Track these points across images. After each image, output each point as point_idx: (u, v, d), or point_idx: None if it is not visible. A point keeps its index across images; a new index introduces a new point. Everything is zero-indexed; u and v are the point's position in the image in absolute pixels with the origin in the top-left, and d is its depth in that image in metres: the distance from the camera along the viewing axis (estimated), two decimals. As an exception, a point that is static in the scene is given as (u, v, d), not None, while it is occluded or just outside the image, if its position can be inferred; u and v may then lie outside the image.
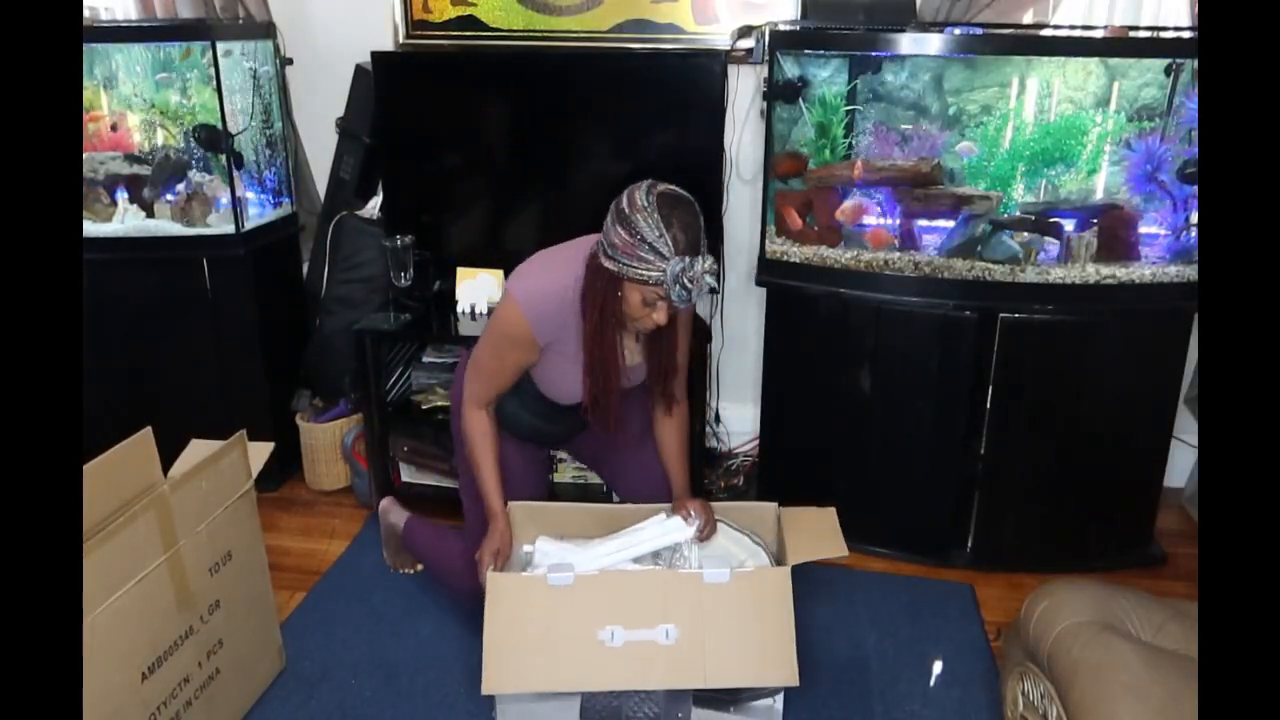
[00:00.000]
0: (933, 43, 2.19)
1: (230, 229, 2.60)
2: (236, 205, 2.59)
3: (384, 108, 2.68)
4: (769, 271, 2.43)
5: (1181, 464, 2.73)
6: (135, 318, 2.63)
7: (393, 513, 2.38)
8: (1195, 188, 2.17)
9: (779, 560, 1.89)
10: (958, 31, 2.22)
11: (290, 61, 2.80)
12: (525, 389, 1.94)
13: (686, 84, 2.54)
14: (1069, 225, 2.25)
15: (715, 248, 2.67)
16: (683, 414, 2.00)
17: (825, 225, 2.36)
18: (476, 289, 2.64)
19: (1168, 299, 2.21)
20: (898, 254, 2.29)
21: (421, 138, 2.71)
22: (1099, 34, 2.29)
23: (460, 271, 2.64)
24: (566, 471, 2.71)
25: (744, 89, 2.68)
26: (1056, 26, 2.53)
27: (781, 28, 2.41)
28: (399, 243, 2.61)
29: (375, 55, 2.63)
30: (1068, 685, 1.51)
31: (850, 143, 2.39)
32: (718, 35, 2.65)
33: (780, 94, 2.34)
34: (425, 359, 2.77)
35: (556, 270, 1.77)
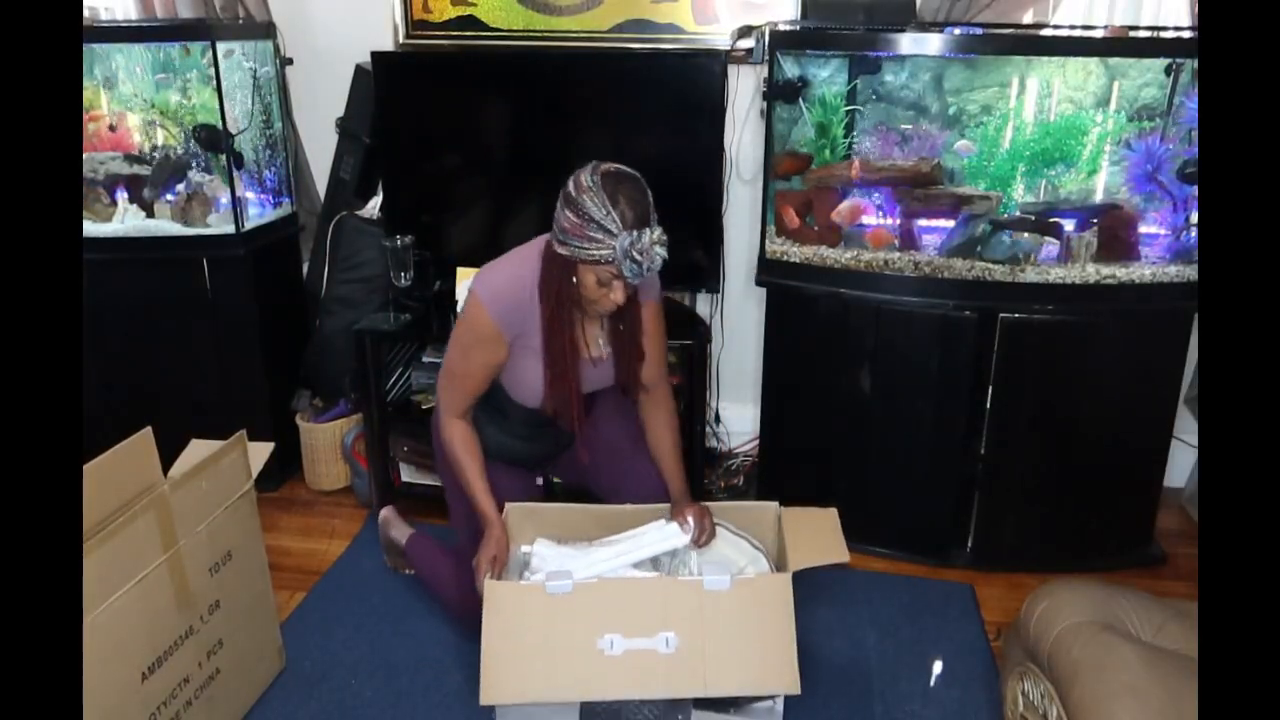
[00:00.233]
0: (933, 43, 2.19)
1: (230, 229, 2.60)
2: (236, 205, 2.59)
3: (384, 108, 2.68)
4: (769, 271, 2.43)
5: (1181, 464, 2.73)
6: (135, 318, 2.63)
7: (394, 526, 2.38)
8: (1195, 188, 2.17)
9: (779, 565, 1.89)
10: (958, 31, 2.22)
11: (290, 61, 2.80)
12: (502, 410, 1.94)
13: (686, 84, 2.54)
14: (1069, 225, 2.25)
15: (715, 248, 2.67)
16: (669, 411, 1.99)
17: (825, 225, 2.37)
18: (476, 289, 2.64)
19: (1168, 299, 2.21)
20: (898, 254, 2.29)
21: (421, 138, 2.71)
22: (1099, 34, 2.29)
23: (460, 271, 2.64)
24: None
25: (744, 89, 2.68)
26: (1056, 26, 2.53)
27: (781, 28, 2.41)
28: (399, 243, 2.61)
29: (375, 55, 2.63)
30: (1068, 685, 1.51)
31: (850, 143, 2.39)
32: (718, 35, 2.65)
33: (780, 94, 2.34)
34: (425, 359, 2.77)
35: (517, 265, 1.79)
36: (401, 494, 2.72)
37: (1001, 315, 2.23)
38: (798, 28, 2.50)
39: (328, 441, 2.82)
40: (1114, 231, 2.22)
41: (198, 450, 1.81)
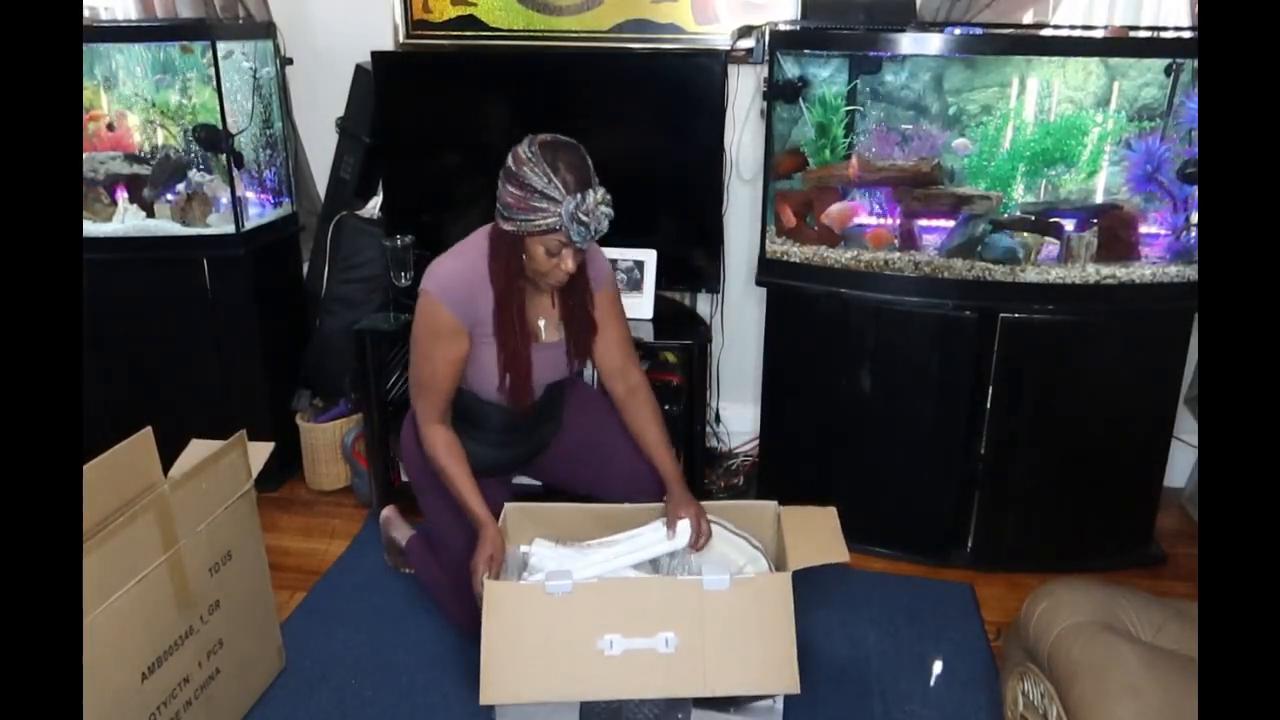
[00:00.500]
0: (933, 43, 2.19)
1: (230, 229, 2.60)
2: (236, 205, 2.59)
3: (384, 108, 2.68)
4: (769, 271, 2.43)
5: (1181, 464, 2.73)
6: (135, 318, 2.63)
7: (394, 526, 2.38)
8: (1195, 188, 2.17)
9: (779, 564, 1.89)
10: (958, 31, 2.22)
11: (290, 61, 2.80)
12: (474, 420, 1.94)
13: (686, 84, 2.54)
14: (1069, 225, 2.25)
15: (715, 248, 2.67)
16: (650, 403, 1.98)
17: (824, 225, 2.36)
18: (476, 289, 2.64)
19: (1168, 299, 2.21)
20: (898, 254, 2.29)
21: (421, 138, 2.71)
22: (1099, 34, 2.29)
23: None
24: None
25: (744, 89, 2.68)
26: (1056, 26, 2.53)
27: (781, 28, 2.41)
28: (399, 243, 2.61)
29: (375, 55, 2.63)
30: (1068, 685, 1.51)
31: (850, 143, 2.39)
32: (718, 35, 2.65)
33: (780, 94, 2.34)
34: (425, 359, 2.77)
35: (464, 255, 1.80)
36: (401, 494, 2.72)
37: (1001, 315, 2.23)
38: (798, 28, 2.50)
39: (328, 441, 2.82)
40: (1114, 231, 2.22)
41: (198, 450, 1.81)
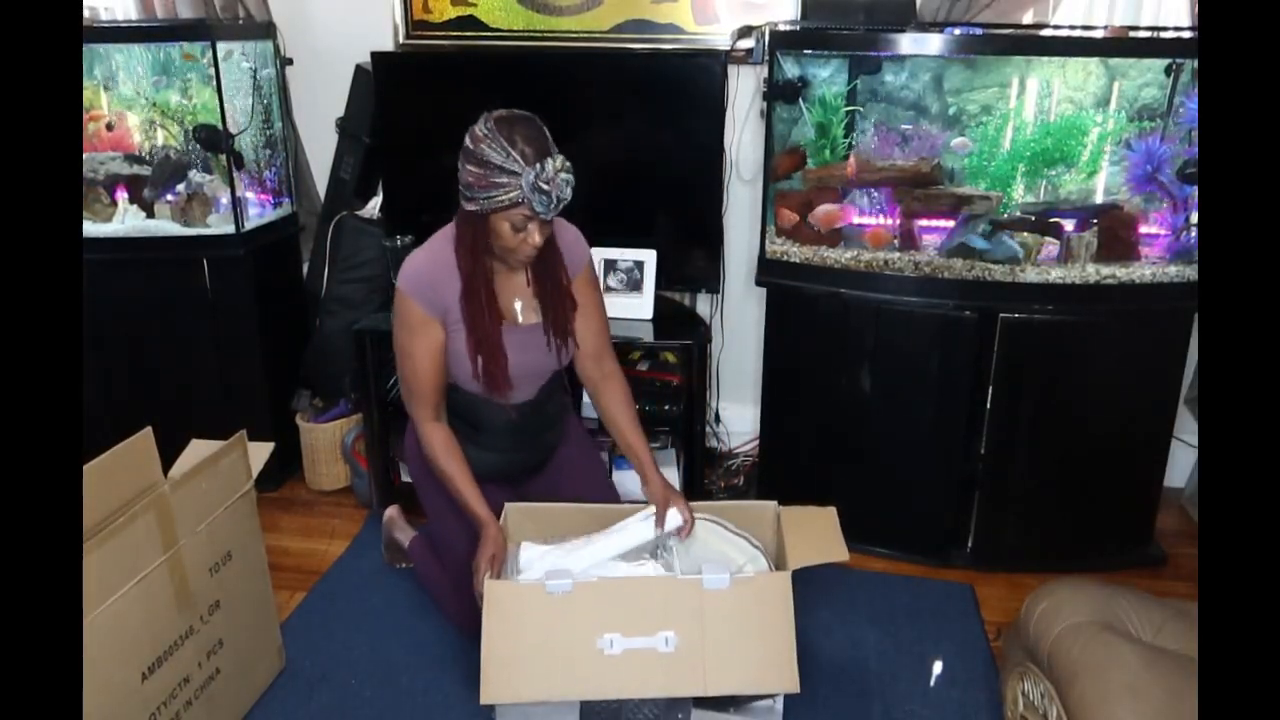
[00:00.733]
0: (933, 43, 2.19)
1: (230, 229, 2.60)
2: (236, 205, 2.59)
3: (384, 108, 2.68)
4: (769, 271, 2.43)
5: (1181, 464, 2.73)
6: (135, 318, 2.63)
7: (398, 527, 2.39)
8: (1195, 188, 2.17)
9: (778, 564, 1.89)
10: (958, 31, 2.22)
11: (290, 61, 2.80)
12: (477, 423, 1.94)
13: (686, 84, 2.54)
14: (1069, 225, 2.25)
15: (715, 248, 2.67)
16: (622, 387, 1.99)
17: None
18: (476, 289, 2.64)
19: (1168, 299, 2.21)
20: (898, 254, 2.29)
21: (421, 138, 2.71)
22: (1099, 34, 2.29)
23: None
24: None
25: (744, 89, 2.68)
26: (1056, 26, 2.53)
27: (781, 28, 2.41)
28: (399, 243, 2.61)
29: (375, 55, 2.63)
30: (1068, 685, 1.51)
31: (850, 143, 2.39)
32: (718, 35, 2.65)
33: (780, 94, 2.34)
34: (425, 359, 2.77)
35: (430, 245, 1.82)
36: (401, 494, 2.72)
37: (1001, 315, 2.23)
38: (798, 28, 2.50)
39: (328, 441, 2.82)
40: (1114, 231, 2.22)
41: (198, 450, 1.81)
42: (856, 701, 1.98)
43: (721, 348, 2.90)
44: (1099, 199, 2.32)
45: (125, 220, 2.64)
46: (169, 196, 2.65)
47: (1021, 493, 2.41)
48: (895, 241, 2.34)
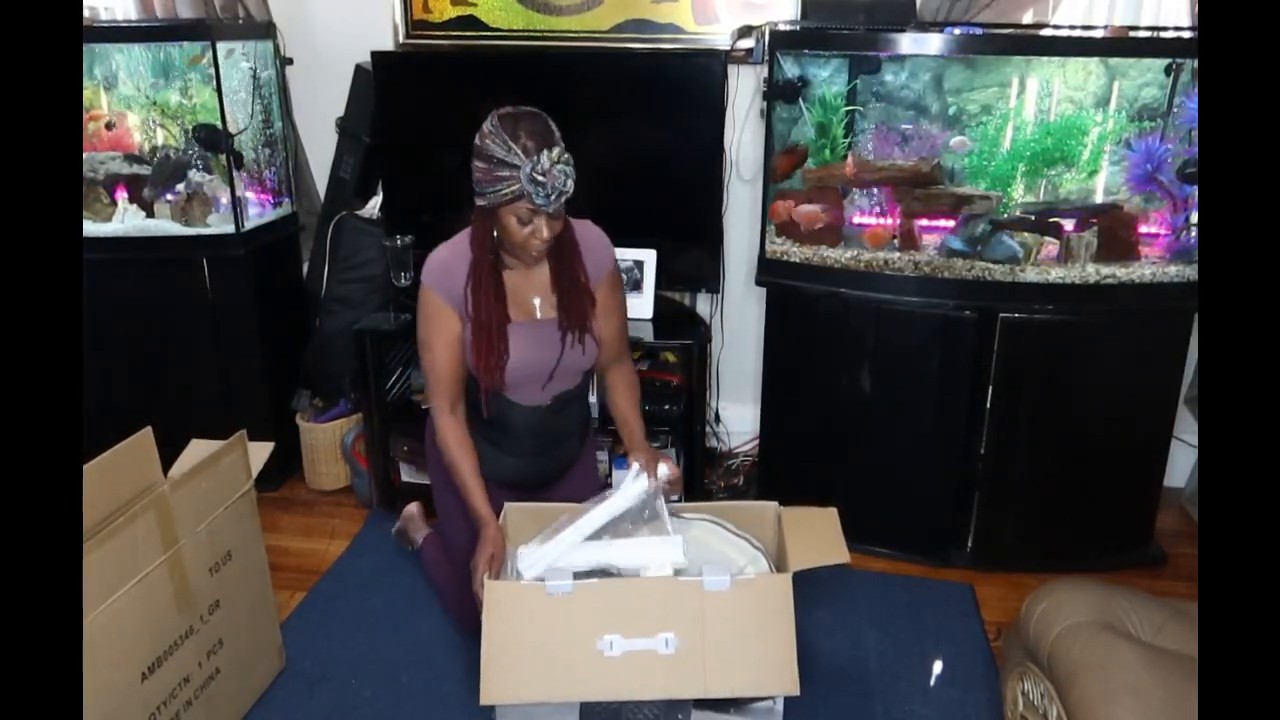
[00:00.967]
0: (933, 43, 2.19)
1: (230, 229, 2.60)
2: (236, 205, 2.59)
3: (384, 108, 2.68)
4: (769, 271, 2.43)
5: (1181, 464, 2.73)
6: (135, 318, 2.63)
7: (415, 525, 2.41)
8: (1195, 188, 2.17)
9: (779, 565, 1.89)
10: (958, 31, 2.22)
11: (290, 61, 2.80)
12: (504, 426, 1.93)
13: (686, 84, 2.54)
14: (1069, 225, 2.25)
15: (715, 247, 2.67)
16: (632, 378, 2.01)
17: (825, 225, 2.36)
18: (476, 289, 2.64)
19: (1168, 299, 2.21)
20: (898, 254, 2.29)
21: (421, 138, 2.71)
22: (1099, 34, 2.29)
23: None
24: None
25: (744, 89, 2.68)
26: (1056, 26, 2.53)
27: (781, 28, 2.41)
28: (399, 243, 2.61)
29: (375, 55, 2.63)
30: (1068, 685, 1.51)
31: (850, 143, 2.39)
32: (718, 35, 2.65)
33: (780, 94, 2.34)
34: (425, 359, 2.77)
35: (452, 241, 1.86)
36: (402, 494, 2.72)
37: (1001, 315, 2.23)
38: (798, 28, 2.50)
39: (328, 441, 2.82)
40: (1114, 231, 2.22)
41: (198, 450, 1.81)
42: (856, 701, 1.98)
43: (721, 348, 2.90)
44: (1099, 199, 2.32)
45: (125, 220, 2.64)
46: (169, 196, 2.65)
47: (1021, 493, 2.41)
48: (895, 241, 2.34)
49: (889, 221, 2.41)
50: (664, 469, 1.86)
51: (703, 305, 2.85)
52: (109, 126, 2.71)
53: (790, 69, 2.36)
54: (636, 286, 2.60)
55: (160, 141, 2.72)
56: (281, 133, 2.81)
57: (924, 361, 2.32)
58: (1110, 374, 2.29)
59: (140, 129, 2.73)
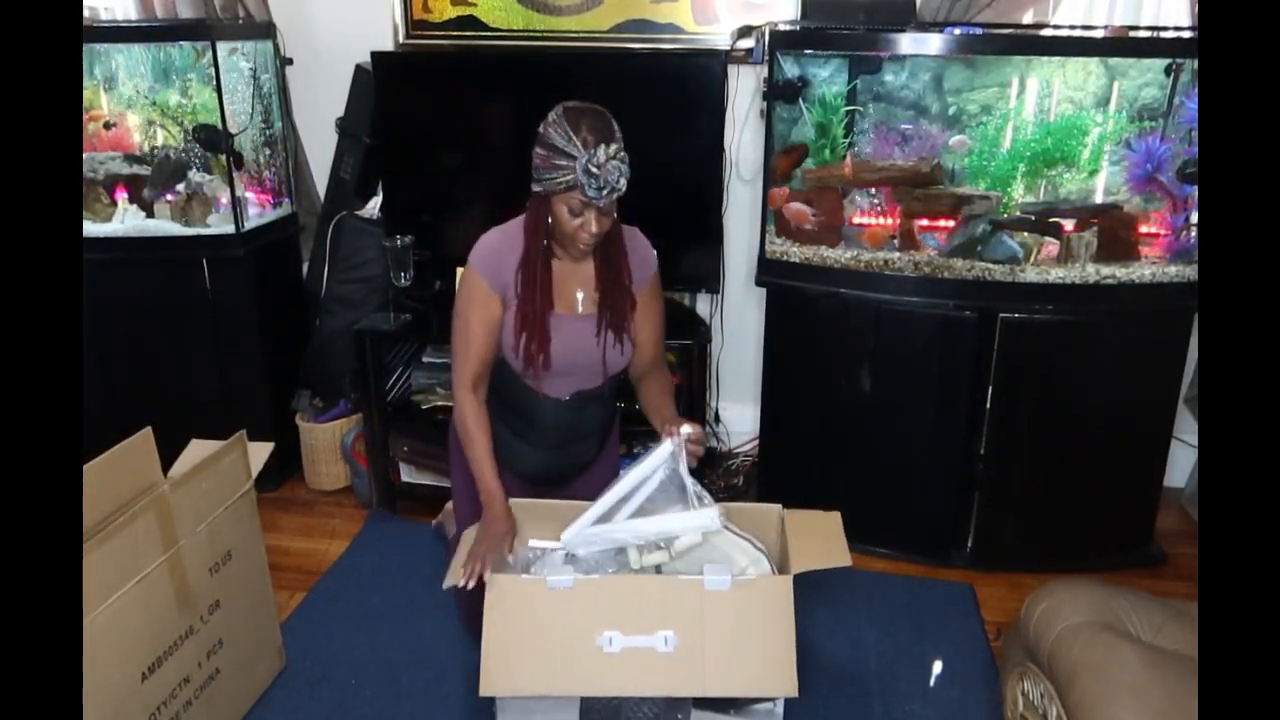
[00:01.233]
0: (933, 43, 2.19)
1: (230, 229, 2.60)
2: (236, 205, 2.59)
3: (384, 108, 2.68)
4: (769, 271, 2.43)
5: (1181, 464, 2.73)
6: (135, 318, 2.63)
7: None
8: (1195, 188, 2.17)
9: (781, 567, 1.89)
10: (958, 31, 2.22)
11: (290, 61, 2.80)
12: (530, 416, 1.93)
13: (686, 84, 2.54)
14: (1069, 225, 2.25)
15: (715, 248, 2.67)
16: (666, 378, 2.01)
17: (823, 225, 2.36)
18: (476, 289, 2.64)
19: (1168, 299, 2.21)
20: (898, 254, 2.29)
21: (421, 138, 2.71)
22: (1099, 34, 2.29)
23: (460, 271, 2.64)
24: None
25: (744, 89, 2.68)
26: (1056, 26, 2.53)
27: (781, 28, 2.42)
28: (399, 243, 2.61)
29: (375, 55, 2.63)
30: (1068, 685, 1.51)
31: (850, 143, 2.39)
32: (718, 35, 2.65)
33: (780, 94, 2.34)
34: (425, 359, 2.77)
35: (503, 226, 1.87)
36: (401, 494, 2.72)
37: (1001, 315, 2.24)
38: (798, 28, 2.50)
39: (328, 441, 2.82)
40: (1114, 231, 2.22)
41: (198, 450, 1.81)
42: (856, 701, 1.98)
43: (721, 348, 2.90)
44: (1099, 199, 2.32)
45: (125, 220, 2.64)
46: (169, 196, 2.65)
47: (1021, 493, 2.41)
48: (895, 241, 2.34)
49: (889, 221, 2.41)
50: (686, 427, 1.84)
51: (703, 305, 2.85)
52: (108, 126, 2.72)
53: (790, 69, 2.36)
54: (636, 286, 2.59)
55: (160, 141, 2.72)
56: (281, 133, 2.81)
57: (924, 362, 2.32)
58: (1110, 374, 2.29)
59: (140, 129, 2.73)
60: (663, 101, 2.56)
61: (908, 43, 2.19)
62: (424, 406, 2.69)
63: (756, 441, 2.75)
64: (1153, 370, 2.31)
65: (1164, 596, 1.72)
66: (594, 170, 1.66)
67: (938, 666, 2.10)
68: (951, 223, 2.32)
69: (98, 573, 1.48)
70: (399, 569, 2.43)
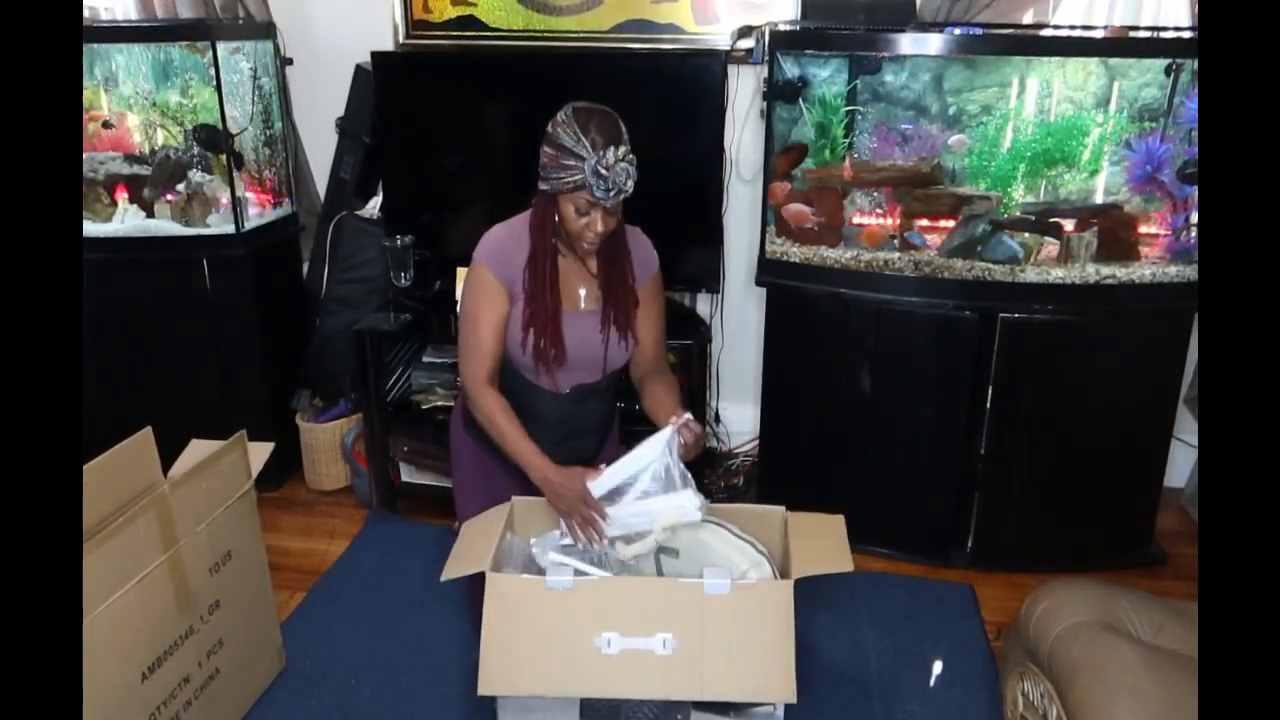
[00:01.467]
0: (933, 43, 2.19)
1: (230, 229, 2.60)
2: (236, 205, 2.59)
3: (384, 108, 2.68)
4: (769, 271, 2.43)
5: (1181, 464, 2.73)
6: (135, 318, 2.63)
7: None
8: (1195, 188, 2.17)
9: (783, 571, 1.88)
10: (958, 31, 2.22)
11: (290, 61, 2.80)
12: (531, 411, 1.93)
13: (686, 84, 2.54)
14: (1069, 225, 2.25)
15: (715, 248, 2.67)
16: (670, 378, 1.99)
17: (822, 225, 2.36)
18: (476, 289, 2.64)
19: (1168, 299, 2.21)
20: (898, 254, 2.29)
21: (421, 138, 2.71)
22: (1099, 34, 2.29)
23: (460, 271, 2.64)
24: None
25: (744, 89, 2.68)
26: (1056, 26, 2.53)
27: (781, 28, 2.42)
28: (399, 243, 2.61)
29: (375, 55, 2.63)
30: (1068, 685, 1.51)
31: (850, 143, 2.39)
32: (718, 35, 2.65)
33: (780, 94, 2.34)
34: (425, 359, 2.77)
35: (508, 222, 1.88)
36: (402, 494, 2.72)
37: (1001, 315, 2.24)
38: (798, 28, 2.50)
39: (328, 441, 2.82)
40: (1114, 231, 2.22)
41: (198, 450, 1.81)
42: (856, 702, 1.98)
43: (721, 348, 2.90)
44: (1099, 199, 2.32)
45: (125, 220, 2.64)
46: (169, 196, 2.65)
47: (1021, 493, 2.41)
48: (895, 241, 2.34)
49: (888, 221, 2.41)
50: (687, 414, 1.82)
51: (703, 305, 2.85)
52: (106, 125, 2.71)
53: (790, 69, 2.36)
54: (636, 286, 2.59)
55: (160, 141, 2.72)
56: (281, 133, 2.81)
57: (924, 362, 2.32)
58: (1110, 374, 2.29)
59: (140, 129, 2.73)
60: (663, 101, 2.56)
61: (908, 43, 2.19)
62: (424, 406, 2.69)
63: (756, 441, 2.75)
64: (1153, 370, 2.31)
65: (1164, 596, 1.71)
66: (603, 172, 1.67)
67: (938, 666, 2.10)
68: (951, 222, 2.32)
69: (98, 573, 1.48)
70: (399, 569, 2.43)
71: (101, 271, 2.50)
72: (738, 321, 2.88)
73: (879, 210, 2.44)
